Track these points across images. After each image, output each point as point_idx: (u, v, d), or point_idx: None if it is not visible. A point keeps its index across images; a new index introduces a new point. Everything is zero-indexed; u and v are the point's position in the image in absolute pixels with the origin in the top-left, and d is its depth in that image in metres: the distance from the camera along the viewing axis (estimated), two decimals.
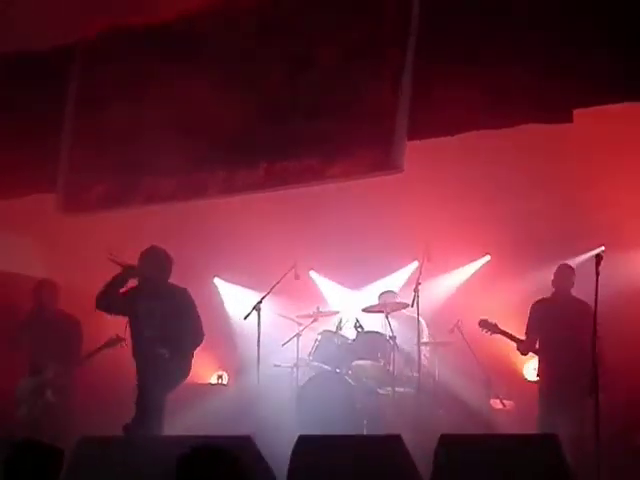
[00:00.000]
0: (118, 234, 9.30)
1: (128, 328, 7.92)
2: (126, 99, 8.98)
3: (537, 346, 8.66)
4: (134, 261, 7.89)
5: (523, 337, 8.64)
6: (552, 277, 8.70)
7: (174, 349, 7.63)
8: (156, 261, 7.89)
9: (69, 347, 8.96)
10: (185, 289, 7.93)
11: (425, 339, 9.42)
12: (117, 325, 8.08)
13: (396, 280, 10.73)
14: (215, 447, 3.92)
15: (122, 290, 7.92)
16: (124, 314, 7.91)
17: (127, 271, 7.83)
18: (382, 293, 10.03)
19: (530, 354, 8.83)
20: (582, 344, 7.45)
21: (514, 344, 8.72)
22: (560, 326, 8.40)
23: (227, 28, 8.69)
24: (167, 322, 7.70)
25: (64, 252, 10.19)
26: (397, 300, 9.70)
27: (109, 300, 7.89)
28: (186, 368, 7.84)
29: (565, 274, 8.66)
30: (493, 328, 8.68)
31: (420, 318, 9.36)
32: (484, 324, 8.73)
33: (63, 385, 8.81)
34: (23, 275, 9.97)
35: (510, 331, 8.68)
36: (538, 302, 8.73)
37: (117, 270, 7.86)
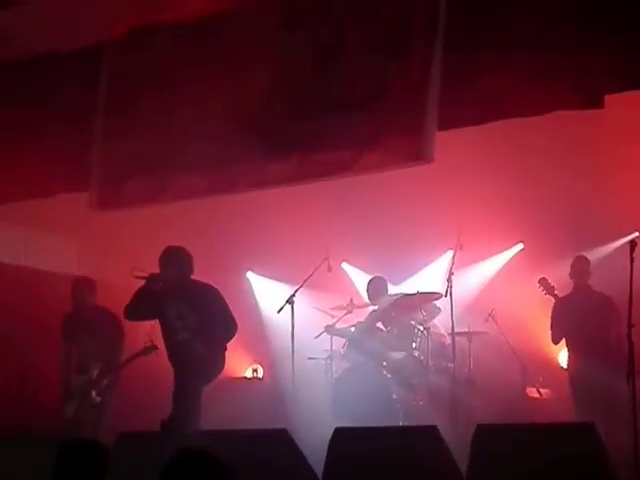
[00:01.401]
0: (150, 230, 9.36)
1: (160, 329, 8.01)
2: (156, 96, 9.00)
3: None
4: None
5: None
6: (569, 271, 8.80)
7: (208, 345, 7.68)
8: (176, 261, 7.91)
9: (111, 344, 8.92)
10: (209, 284, 7.96)
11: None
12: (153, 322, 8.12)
13: (434, 271, 10.68)
14: (197, 454, 3.52)
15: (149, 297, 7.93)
16: (155, 319, 8.00)
17: (151, 280, 7.86)
18: (371, 279, 9.90)
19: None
20: (606, 335, 7.93)
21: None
22: (583, 320, 8.47)
23: (254, 19, 8.69)
24: (198, 320, 7.75)
25: (97, 249, 10.25)
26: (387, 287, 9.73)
27: (138, 311, 8.00)
28: (221, 362, 7.89)
29: (581, 266, 8.79)
30: (550, 290, 8.76)
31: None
32: (543, 282, 8.83)
33: (107, 385, 8.78)
34: (56, 273, 10.01)
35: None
36: (559, 300, 8.77)
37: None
